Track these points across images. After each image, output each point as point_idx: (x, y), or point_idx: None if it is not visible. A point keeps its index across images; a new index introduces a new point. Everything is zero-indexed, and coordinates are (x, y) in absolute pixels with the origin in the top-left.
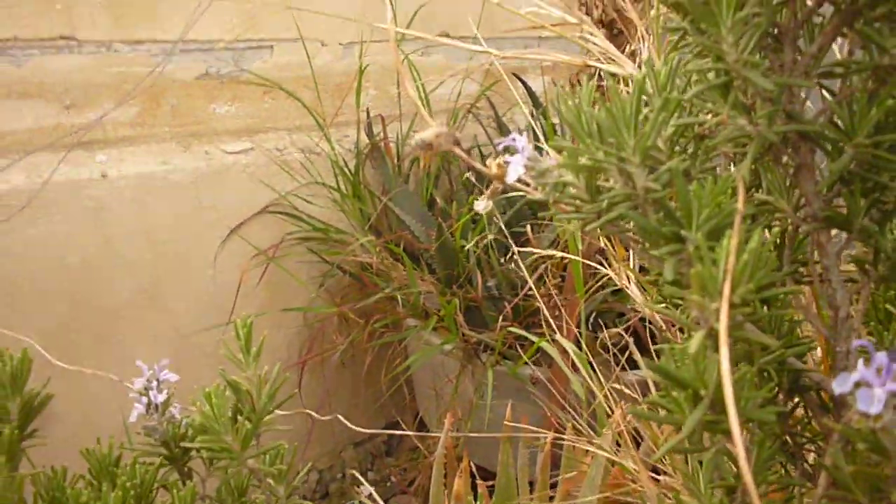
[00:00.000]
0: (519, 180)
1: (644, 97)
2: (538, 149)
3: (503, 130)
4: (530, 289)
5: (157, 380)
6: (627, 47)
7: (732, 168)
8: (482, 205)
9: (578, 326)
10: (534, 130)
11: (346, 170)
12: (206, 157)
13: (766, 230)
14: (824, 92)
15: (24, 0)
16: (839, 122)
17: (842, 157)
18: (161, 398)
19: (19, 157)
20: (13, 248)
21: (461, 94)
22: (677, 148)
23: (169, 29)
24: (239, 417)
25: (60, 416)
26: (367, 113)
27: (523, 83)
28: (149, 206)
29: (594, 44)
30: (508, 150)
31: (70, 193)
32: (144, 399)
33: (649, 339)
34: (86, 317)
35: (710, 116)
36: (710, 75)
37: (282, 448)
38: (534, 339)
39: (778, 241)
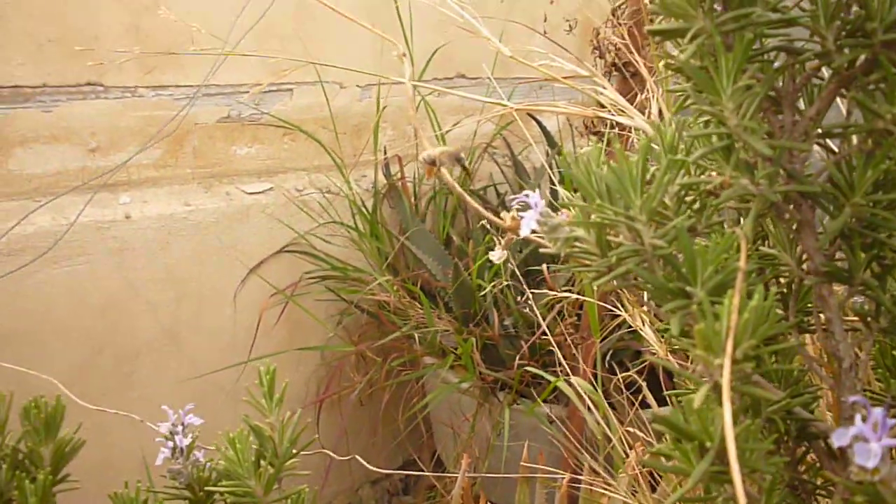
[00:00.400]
0: (533, 232)
1: (651, 155)
2: (553, 191)
3: (519, 169)
4: (546, 328)
5: (182, 424)
6: (642, 91)
7: (741, 220)
8: (497, 255)
9: (595, 365)
10: (549, 169)
11: (363, 209)
12: (227, 197)
13: (775, 280)
14: (825, 151)
15: (53, 48)
16: (838, 182)
17: (840, 215)
18: (186, 442)
19: (46, 200)
20: (38, 289)
21: (477, 134)
22: (685, 203)
23: (192, 74)
24: (262, 462)
25: (81, 456)
26: (385, 153)
27: (538, 123)
28: (171, 246)
29: (604, 95)
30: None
31: (94, 234)
32: (170, 443)
33: (665, 378)
34: (108, 357)
35: (715, 175)
36: (714, 138)
37: (303, 492)
38: (550, 378)
39: (784, 291)
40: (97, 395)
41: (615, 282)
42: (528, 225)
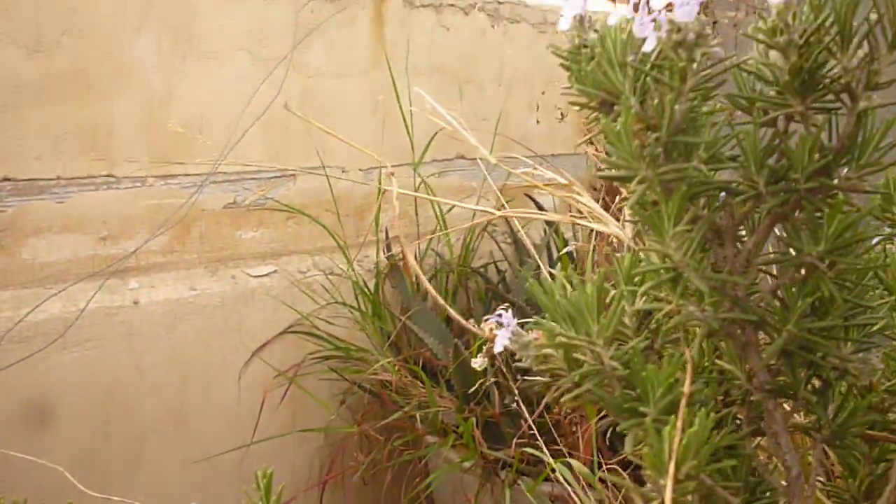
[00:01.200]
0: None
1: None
2: (552, 262)
3: (519, 246)
4: (546, 406)
5: None
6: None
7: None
8: (479, 363)
9: (593, 444)
10: (548, 246)
11: (366, 289)
12: (233, 281)
13: (726, 393)
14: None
15: (69, 142)
16: (774, 310)
17: (778, 339)
18: None
19: (58, 289)
20: (47, 376)
21: (476, 213)
22: (644, 324)
23: (200, 163)
24: None
25: None
26: (387, 234)
27: (535, 202)
28: (177, 329)
29: (582, 203)
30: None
31: (103, 320)
32: None
33: None
34: (115, 441)
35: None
36: (662, 271)
37: None
38: (549, 459)
39: (739, 402)
40: (104, 479)
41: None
42: (501, 343)
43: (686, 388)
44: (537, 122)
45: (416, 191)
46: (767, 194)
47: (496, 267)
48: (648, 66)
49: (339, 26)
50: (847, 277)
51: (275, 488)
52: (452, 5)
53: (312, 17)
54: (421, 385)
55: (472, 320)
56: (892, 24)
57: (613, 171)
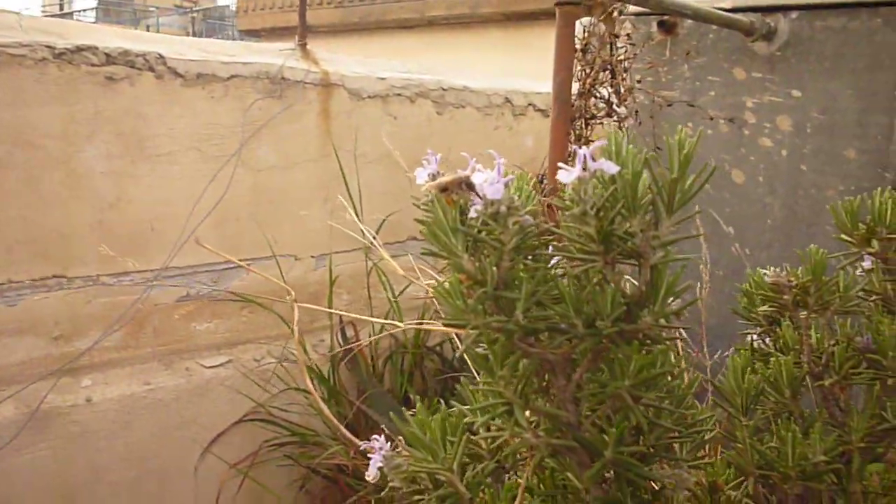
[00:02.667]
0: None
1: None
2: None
3: None
4: None
5: None
6: None
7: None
8: (371, 475)
9: None
10: None
11: (321, 374)
12: (187, 373)
13: None
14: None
15: (21, 248)
16: (592, 439)
17: (595, 464)
18: None
19: (11, 391)
20: (5, 476)
21: (429, 292)
22: (489, 450)
23: (152, 259)
24: None
25: None
26: (340, 319)
27: None
28: (132, 426)
29: None
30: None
31: (55, 420)
32: None
33: None
34: None
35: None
36: (498, 406)
37: None
38: None
39: None
40: None
41: None
42: (375, 466)
43: None
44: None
45: (368, 274)
46: (585, 335)
47: (451, 345)
48: (476, 230)
49: (286, 122)
50: (659, 406)
51: None
52: (399, 95)
53: (260, 115)
54: None
55: (426, 400)
56: (668, 195)
57: (449, 319)
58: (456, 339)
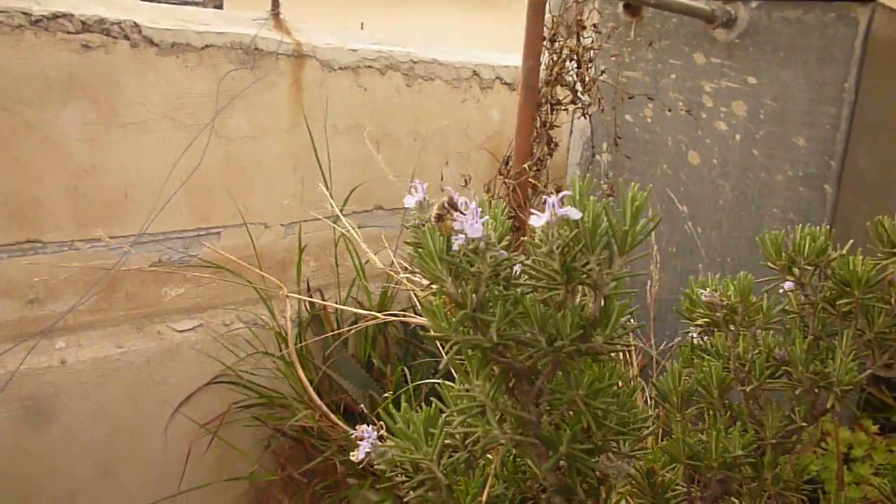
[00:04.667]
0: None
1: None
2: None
3: None
4: None
5: None
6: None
7: None
8: (359, 457)
9: None
10: None
11: (288, 339)
12: (158, 336)
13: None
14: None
15: None
16: (550, 435)
17: (552, 456)
18: None
19: None
20: None
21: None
22: (467, 444)
23: (126, 226)
24: None
25: None
26: (308, 285)
27: None
28: (104, 387)
29: None
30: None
31: (31, 381)
32: None
33: None
34: (45, 500)
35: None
36: (473, 409)
37: None
38: None
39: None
40: None
41: None
42: (363, 450)
43: (486, 493)
44: (440, 189)
45: (335, 243)
46: (546, 349)
47: (414, 311)
48: (458, 259)
49: (259, 92)
50: (606, 410)
51: None
52: (370, 66)
53: (234, 85)
54: (341, 430)
55: (389, 365)
56: (621, 241)
57: (434, 333)
58: (418, 304)
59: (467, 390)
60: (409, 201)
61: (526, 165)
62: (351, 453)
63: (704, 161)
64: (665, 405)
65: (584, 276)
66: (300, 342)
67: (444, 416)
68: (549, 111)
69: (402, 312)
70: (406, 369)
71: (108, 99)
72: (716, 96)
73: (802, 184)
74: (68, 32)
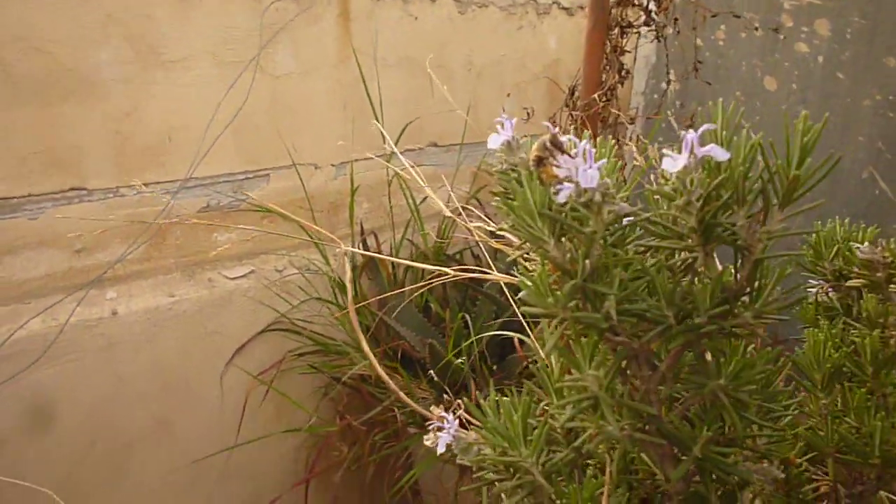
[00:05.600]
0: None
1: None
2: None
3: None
4: None
5: None
6: None
7: None
8: (440, 451)
9: None
10: None
11: (342, 284)
12: (210, 284)
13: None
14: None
15: (36, 160)
16: (683, 435)
17: (684, 461)
18: None
19: (36, 304)
20: (31, 390)
21: (450, 200)
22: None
23: (172, 171)
24: None
25: None
26: (362, 228)
27: None
28: (157, 337)
29: None
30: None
31: (83, 333)
32: None
33: None
34: (100, 450)
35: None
36: (583, 402)
37: None
38: None
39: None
40: (91, 488)
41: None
42: (444, 444)
43: (605, 501)
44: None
45: (389, 183)
46: (676, 329)
47: (472, 252)
48: (564, 215)
49: (305, 25)
50: (749, 400)
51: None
52: None
53: (277, 17)
54: (400, 378)
55: (448, 310)
56: (786, 189)
57: (533, 309)
58: (481, 246)
59: (577, 379)
60: (495, 141)
61: (595, 96)
62: (426, 438)
63: (782, 87)
64: (805, 384)
65: (729, 233)
66: (354, 288)
67: (542, 405)
68: (620, 35)
69: (474, 268)
70: (466, 315)
71: (146, 36)
72: (796, 14)
73: (892, 109)
74: None
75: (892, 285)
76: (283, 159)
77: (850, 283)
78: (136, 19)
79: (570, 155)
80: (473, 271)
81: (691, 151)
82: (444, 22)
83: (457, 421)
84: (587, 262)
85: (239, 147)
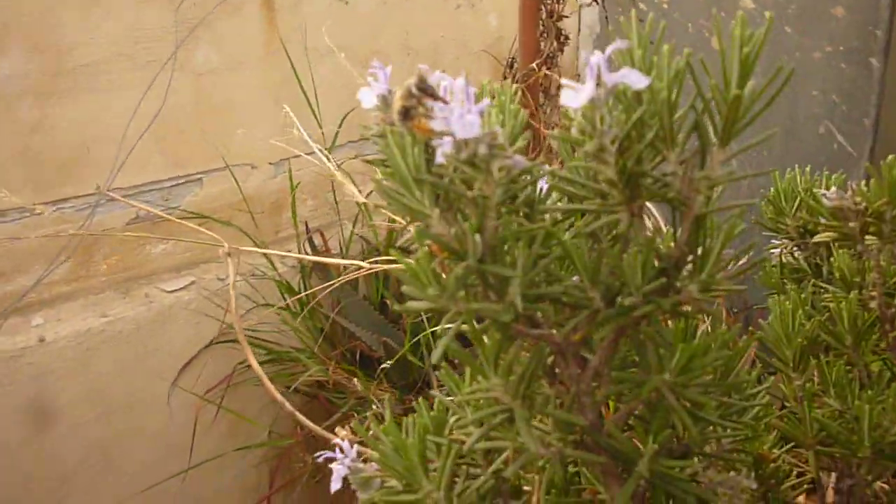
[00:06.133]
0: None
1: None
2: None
3: None
4: None
5: None
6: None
7: None
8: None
9: None
10: None
11: (291, 287)
12: (147, 300)
13: None
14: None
15: None
16: (627, 451)
17: (628, 480)
18: None
19: None
20: None
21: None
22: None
23: (92, 181)
24: None
25: None
26: (307, 227)
27: None
28: (91, 362)
29: None
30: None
31: (7, 365)
32: None
33: None
34: (37, 486)
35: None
36: (496, 416)
37: None
38: None
39: None
40: None
41: None
42: (338, 477)
43: None
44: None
45: (332, 178)
46: (605, 313)
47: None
48: (447, 179)
49: (225, 17)
50: (705, 395)
51: None
52: None
53: (195, 11)
54: (357, 381)
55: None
56: (727, 117)
57: (417, 304)
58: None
59: (483, 389)
60: (366, 97)
61: (534, 64)
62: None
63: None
64: (773, 362)
65: (659, 184)
66: (304, 289)
67: (452, 420)
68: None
69: (390, 258)
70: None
71: (50, 42)
72: None
73: (844, 59)
74: None
75: (867, 236)
76: (216, 162)
77: (817, 238)
78: (39, 24)
79: (444, 101)
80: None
81: (598, 79)
82: (378, 6)
83: (354, 449)
84: (480, 236)
85: (164, 152)
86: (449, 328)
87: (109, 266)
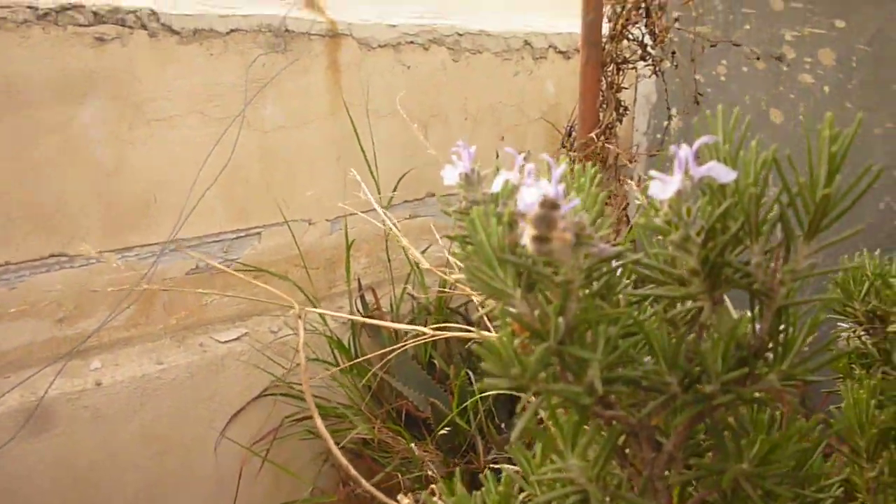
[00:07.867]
0: None
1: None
2: None
3: None
4: None
5: None
6: None
7: None
8: None
9: None
10: None
11: (341, 344)
12: (201, 349)
13: None
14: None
15: (17, 225)
16: None
17: None
18: None
19: (16, 379)
20: (16, 463)
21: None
22: None
23: (157, 232)
24: None
25: None
26: (359, 284)
27: None
28: (146, 406)
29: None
30: None
31: (65, 406)
32: None
33: None
34: None
35: None
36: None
37: None
38: None
39: None
40: None
41: None
42: None
43: None
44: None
45: (386, 236)
46: (682, 398)
47: (475, 304)
48: (530, 260)
49: (292, 78)
50: (780, 485)
51: None
52: (411, 42)
53: (264, 72)
54: (403, 441)
55: (452, 366)
56: (808, 211)
57: (497, 381)
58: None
59: (559, 469)
60: (449, 175)
61: (593, 134)
62: None
63: (788, 119)
64: (841, 451)
65: (741, 274)
66: (354, 346)
67: (521, 496)
68: (616, 71)
69: (455, 325)
70: (470, 372)
71: (130, 95)
72: (798, 46)
73: None
74: (80, 25)
75: None
76: (276, 216)
77: (892, 328)
78: (120, 78)
79: (559, 205)
80: (456, 329)
81: (686, 171)
82: (438, 70)
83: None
84: (562, 318)
85: (228, 205)
86: (525, 403)
87: (168, 314)
